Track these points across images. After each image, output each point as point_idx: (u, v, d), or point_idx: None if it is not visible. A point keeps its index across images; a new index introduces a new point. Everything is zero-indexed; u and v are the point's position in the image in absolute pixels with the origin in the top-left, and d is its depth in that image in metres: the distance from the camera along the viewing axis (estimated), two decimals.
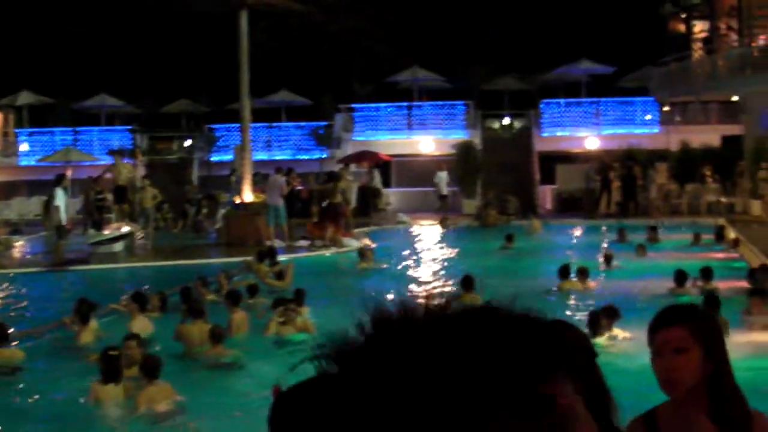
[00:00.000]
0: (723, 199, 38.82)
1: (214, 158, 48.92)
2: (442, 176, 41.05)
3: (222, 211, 33.91)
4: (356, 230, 32.31)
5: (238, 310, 15.62)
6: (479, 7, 60.63)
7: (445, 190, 40.97)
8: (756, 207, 36.73)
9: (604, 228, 33.43)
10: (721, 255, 24.94)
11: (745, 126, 41.37)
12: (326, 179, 33.30)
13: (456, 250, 29.34)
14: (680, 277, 17.69)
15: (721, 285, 17.97)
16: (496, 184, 39.43)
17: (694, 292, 17.15)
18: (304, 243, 29.53)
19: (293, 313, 15.10)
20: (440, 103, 49.62)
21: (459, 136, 46.50)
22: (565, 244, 30.25)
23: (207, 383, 13.03)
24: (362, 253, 24.86)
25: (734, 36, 43.10)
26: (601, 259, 22.65)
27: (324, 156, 47.81)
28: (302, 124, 50.44)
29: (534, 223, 33.90)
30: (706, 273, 18.01)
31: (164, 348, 14.40)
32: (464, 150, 43.80)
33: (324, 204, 30.41)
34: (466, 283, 17.41)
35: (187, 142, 51.34)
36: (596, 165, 41.38)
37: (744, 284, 17.32)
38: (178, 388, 11.61)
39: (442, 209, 40.00)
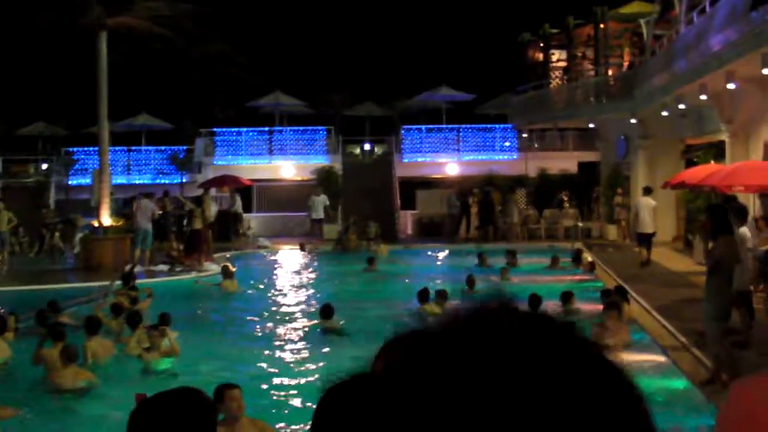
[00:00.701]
0: (580, 224, 39.75)
1: (72, 182, 47.69)
2: (318, 200, 40.80)
3: (79, 235, 32.96)
4: (216, 255, 31.84)
5: (95, 338, 15.06)
6: (342, 33, 60.89)
7: (321, 213, 40.74)
8: (612, 231, 37.75)
9: (464, 252, 33.76)
10: (578, 277, 25.48)
11: (601, 153, 42.58)
12: (186, 205, 32.82)
13: (318, 274, 29.29)
14: (534, 301, 17.99)
15: (580, 306, 18.39)
16: (356, 209, 39.44)
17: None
18: (163, 267, 28.91)
19: (158, 338, 14.67)
20: (301, 128, 49.57)
21: (320, 161, 46.51)
22: (427, 268, 30.48)
23: (59, 407, 12.49)
24: (224, 274, 24.54)
25: (590, 65, 44.39)
26: (464, 282, 22.83)
27: (184, 180, 47.10)
28: (162, 148, 49.60)
29: (381, 248, 34.05)
30: (566, 297, 18.38)
31: (22, 371, 13.86)
32: (325, 175, 43.90)
33: (185, 229, 29.95)
34: (325, 311, 17.64)
35: (44, 166, 49.88)
36: (456, 190, 41.94)
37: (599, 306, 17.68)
38: (29, 411, 11.14)
39: (314, 233, 39.90)
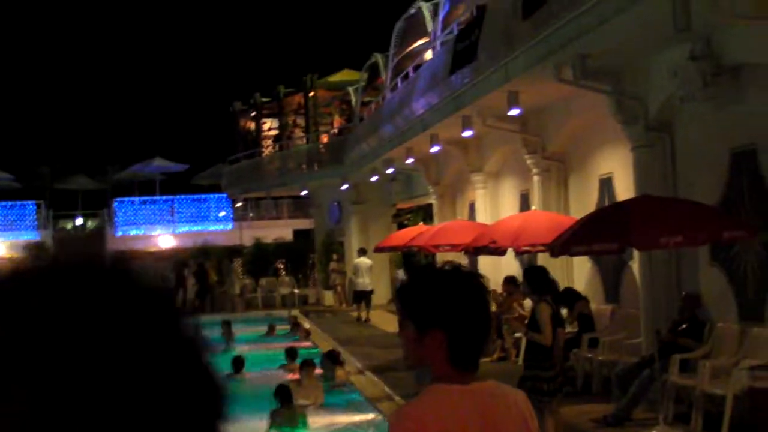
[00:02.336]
0: (296, 291, 39.59)
1: None
2: None
3: None
4: None
5: None
6: (50, 104, 58.52)
7: None
8: (328, 297, 37.81)
9: None
10: (295, 344, 25.14)
11: (315, 220, 42.82)
12: None
13: None
14: (237, 363, 17.59)
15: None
16: None
17: None
18: None
19: None
20: (9, 203, 46.89)
21: (30, 237, 44.20)
22: None
23: None
24: None
25: (302, 132, 44.77)
26: None
27: None
28: None
29: None
30: (291, 353, 18.59)
31: None
32: (35, 252, 41.63)
33: None
34: None
35: None
36: (170, 263, 40.79)
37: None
38: None
39: None
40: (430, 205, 29.32)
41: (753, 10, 10.11)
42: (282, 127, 46.35)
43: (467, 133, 20.24)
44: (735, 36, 11.46)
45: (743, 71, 11.97)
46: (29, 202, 46.64)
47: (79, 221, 49.04)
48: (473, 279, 3.19)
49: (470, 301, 3.08)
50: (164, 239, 46.72)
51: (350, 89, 38.93)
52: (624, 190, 15.70)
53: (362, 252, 29.85)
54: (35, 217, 46.30)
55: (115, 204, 47.70)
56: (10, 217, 45.98)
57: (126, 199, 48.33)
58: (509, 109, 17.17)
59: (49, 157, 52.01)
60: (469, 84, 18.55)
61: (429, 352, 3.05)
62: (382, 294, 33.69)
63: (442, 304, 3.05)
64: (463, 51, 18.73)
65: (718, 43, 11.89)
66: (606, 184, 17.13)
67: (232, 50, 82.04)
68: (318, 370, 16.44)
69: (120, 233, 46.44)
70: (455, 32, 20.81)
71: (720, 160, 12.86)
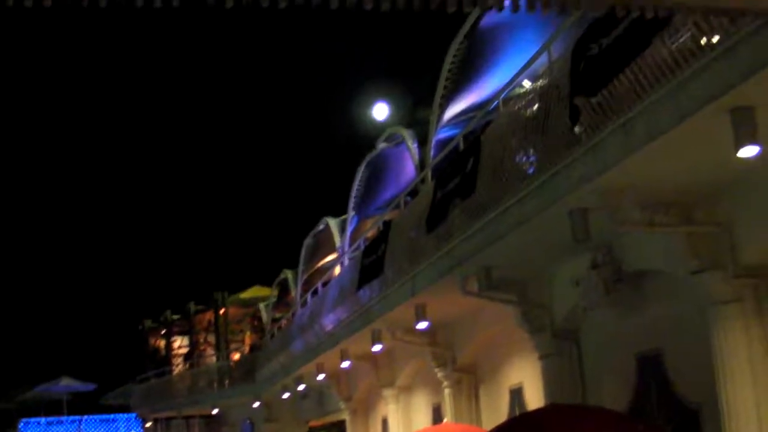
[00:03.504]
0: None
1: None
2: None
3: None
4: None
5: None
6: None
7: None
8: None
9: None
10: None
11: None
12: None
13: None
14: None
15: None
16: None
17: None
18: None
19: None
20: None
21: None
22: None
23: None
24: None
25: (213, 350, 44.12)
26: None
27: None
28: None
29: None
30: None
31: None
32: None
33: None
34: None
35: None
36: None
37: None
38: None
39: None
40: (343, 422, 28.70)
41: (646, 217, 10.35)
42: (192, 345, 45.69)
43: (377, 348, 20.03)
44: (634, 244, 11.70)
45: (644, 278, 12.15)
46: None
47: None
48: None
49: None
50: None
51: (261, 305, 38.77)
52: (534, 399, 15.55)
53: None
54: None
55: (21, 425, 46.05)
56: None
57: (32, 419, 46.77)
58: (417, 322, 17.10)
59: None
60: (377, 298, 18.53)
61: None
62: None
63: None
64: (369, 266, 18.79)
65: (618, 251, 12.12)
66: (516, 394, 16.96)
67: (142, 266, 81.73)
68: None
69: None
70: (362, 247, 20.97)
71: (627, 365, 12.87)
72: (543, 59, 11.79)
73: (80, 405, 48.88)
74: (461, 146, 14.80)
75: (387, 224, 18.66)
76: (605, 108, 9.30)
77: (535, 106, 11.17)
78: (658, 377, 12.25)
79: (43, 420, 46.97)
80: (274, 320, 36.15)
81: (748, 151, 8.21)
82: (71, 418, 47.25)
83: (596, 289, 12.36)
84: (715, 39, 7.78)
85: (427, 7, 4.75)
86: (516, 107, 11.98)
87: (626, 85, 8.87)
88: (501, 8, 5.21)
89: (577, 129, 9.96)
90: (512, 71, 13.33)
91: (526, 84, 12.37)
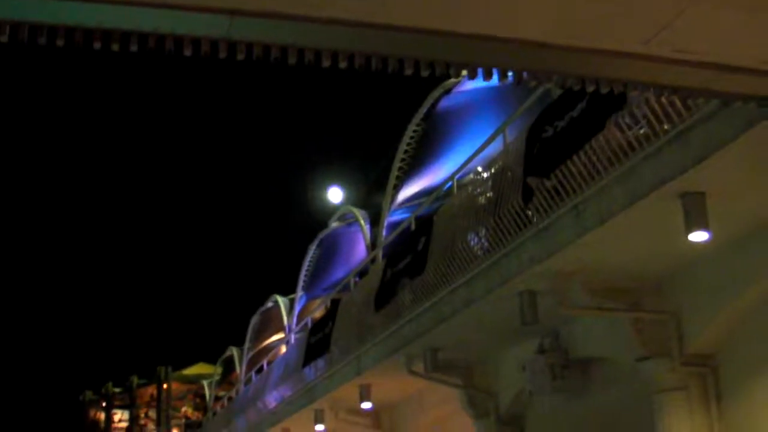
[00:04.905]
0: None
1: None
2: None
3: None
4: None
5: None
6: None
7: None
8: None
9: None
10: None
11: None
12: None
13: None
14: None
15: None
16: None
17: None
18: None
19: None
20: None
21: None
22: None
23: None
24: None
25: (153, 425, 43.25)
26: None
27: None
28: None
29: None
30: None
31: None
32: None
33: None
34: None
35: None
36: None
37: None
38: None
39: None
40: None
41: (594, 302, 10.31)
42: (133, 419, 44.77)
43: (319, 428, 19.64)
44: (581, 330, 11.64)
45: (591, 364, 12.07)
46: None
47: None
48: None
49: None
50: None
51: (204, 383, 38.13)
52: None
53: None
54: None
55: None
56: None
57: None
58: (361, 402, 16.84)
59: None
60: (322, 376, 18.24)
61: None
62: None
63: None
64: (316, 343, 18.55)
65: (565, 337, 12.05)
66: None
67: (86, 336, 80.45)
68: None
69: None
70: (309, 326, 20.75)
71: None
72: (497, 144, 11.84)
73: None
74: (413, 227, 14.76)
75: (335, 302, 18.51)
76: (558, 189, 9.31)
77: (489, 189, 11.17)
78: None
79: None
80: (217, 398, 35.54)
81: (699, 236, 8.22)
82: None
83: (543, 374, 12.24)
84: (666, 126, 7.83)
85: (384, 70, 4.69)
86: (470, 189, 11.98)
87: (579, 167, 8.89)
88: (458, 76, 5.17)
89: (529, 211, 9.95)
90: (468, 155, 13.36)
91: (480, 170, 12.36)
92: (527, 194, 9.70)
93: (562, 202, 9.30)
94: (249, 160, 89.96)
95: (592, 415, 12.33)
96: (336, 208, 23.94)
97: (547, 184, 9.44)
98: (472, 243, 11.47)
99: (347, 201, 24.31)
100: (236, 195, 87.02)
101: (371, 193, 23.37)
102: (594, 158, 8.69)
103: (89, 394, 47.03)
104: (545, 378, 12.20)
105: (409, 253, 13.38)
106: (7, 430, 51.30)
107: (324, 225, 23.92)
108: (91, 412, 47.39)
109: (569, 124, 9.04)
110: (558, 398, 12.66)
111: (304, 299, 24.73)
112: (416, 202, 17.47)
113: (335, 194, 25.08)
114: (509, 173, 10.39)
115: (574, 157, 8.90)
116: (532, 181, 9.52)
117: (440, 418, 17.10)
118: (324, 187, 25.80)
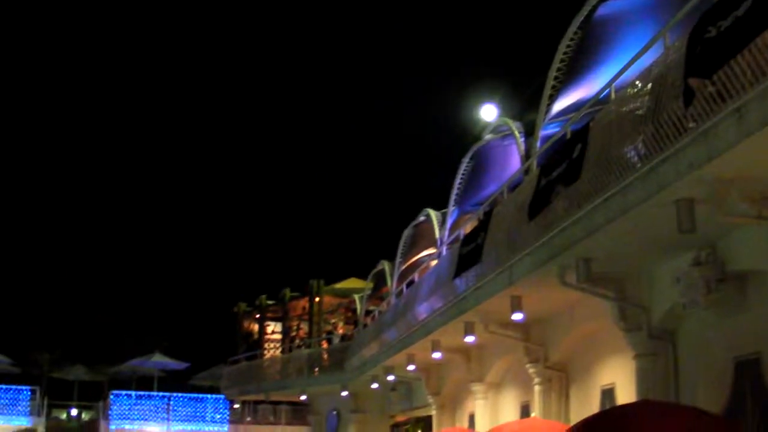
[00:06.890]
0: None
1: None
2: None
3: None
4: None
5: None
6: (50, 291, 58.78)
7: None
8: None
9: None
10: None
11: (313, 427, 41.86)
12: None
13: None
14: None
15: None
16: None
17: None
18: None
19: None
20: (4, 386, 46.29)
21: (22, 422, 43.48)
22: None
23: None
24: None
25: (305, 337, 44.47)
26: None
27: None
28: None
29: None
30: None
31: None
32: None
33: None
34: None
35: None
36: None
37: None
38: None
39: None
40: (429, 417, 28.62)
41: (754, 211, 10.02)
42: (285, 331, 46.13)
43: (469, 339, 19.88)
44: (740, 242, 11.37)
45: (748, 278, 11.80)
46: (25, 387, 46.11)
47: (73, 412, 48.47)
48: None
49: None
50: None
51: (356, 297, 38.91)
52: (626, 400, 15.17)
53: None
54: (29, 403, 45.60)
55: (111, 397, 47.00)
56: (3, 400, 45.28)
57: (122, 392, 47.71)
58: (512, 313, 16.93)
59: (48, 343, 51.78)
60: (473, 288, 18.36)
61: None
62: None
63: None
64: (467, 254, 18.67)
65: (723, 250, 11.79)
66: (607, 395, 16.65)
67: (240, 251, 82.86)
68: None
69: (113, 427, 45.57)
70: (461, 237, 20.84)
71: (724, 369, 12.48)
72: (655, 51, 11.54)
73: (170, 382, 49.93)
74: (568, 135, 14.60)
75: (488, 213, 18.53)
76: (721, 92, 9.04)
77: (648, 93, 10.93)
78: (755, 383, 11.86)
79: (133, 393, 47.91)
80: (368, 312, 36.25)
81: None
82: (161, 394, 48.12)
83: (697, 287, 12.03)
84: None
85: None
86: (628, 91, 11.74)
87: (744, 66, 8.60)
88: None
89: (690, 114, 9.70)
90: (625, 64, 13.06)
91: (638, 84, 12.04)
92: (688, 96, 9.45)
93: (724, 103, 9.03)
94: (406, 78, 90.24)
95: (749, 332, 12.06)
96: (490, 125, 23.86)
97: (710, 88, 9.18)
98: (628, 149, 11.27)
99: (501, 119, 24.20)
100: (393, 111, 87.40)
101: (525, 111, 23.16)
102: (759, 58, 8.40)
103: (243, 307, 48.57)
104: (699, 292, 11.99)
105: (564, 161, 13.26)
106: (167, 339, 53.65)
107: (478, 140, 23.92)
108: (245, 324, 49.00)
109: (733, 24, 8.74)
110: (711, 313, 12.45)
111: (456, 213, 24.84)
112: (571, 115, 17.24)
113: (489, 112, 24.94)
114: (669, 76, 10.15)
115: (738, 57, 8.61)
116: (694, 82, 9.27)
117: (590, 331, 17.08)
118: (478, 105, 25.68)
